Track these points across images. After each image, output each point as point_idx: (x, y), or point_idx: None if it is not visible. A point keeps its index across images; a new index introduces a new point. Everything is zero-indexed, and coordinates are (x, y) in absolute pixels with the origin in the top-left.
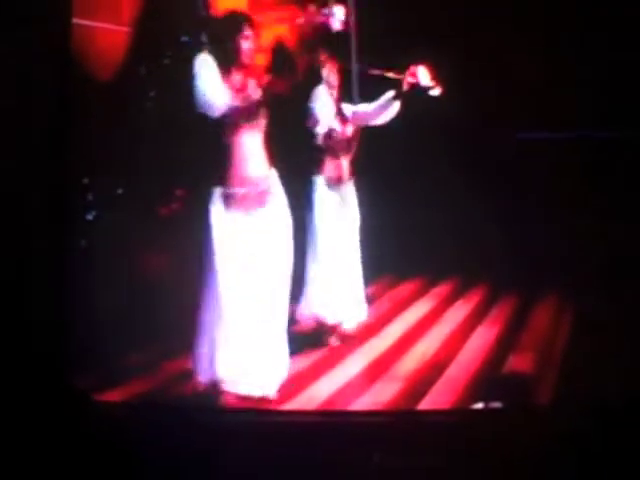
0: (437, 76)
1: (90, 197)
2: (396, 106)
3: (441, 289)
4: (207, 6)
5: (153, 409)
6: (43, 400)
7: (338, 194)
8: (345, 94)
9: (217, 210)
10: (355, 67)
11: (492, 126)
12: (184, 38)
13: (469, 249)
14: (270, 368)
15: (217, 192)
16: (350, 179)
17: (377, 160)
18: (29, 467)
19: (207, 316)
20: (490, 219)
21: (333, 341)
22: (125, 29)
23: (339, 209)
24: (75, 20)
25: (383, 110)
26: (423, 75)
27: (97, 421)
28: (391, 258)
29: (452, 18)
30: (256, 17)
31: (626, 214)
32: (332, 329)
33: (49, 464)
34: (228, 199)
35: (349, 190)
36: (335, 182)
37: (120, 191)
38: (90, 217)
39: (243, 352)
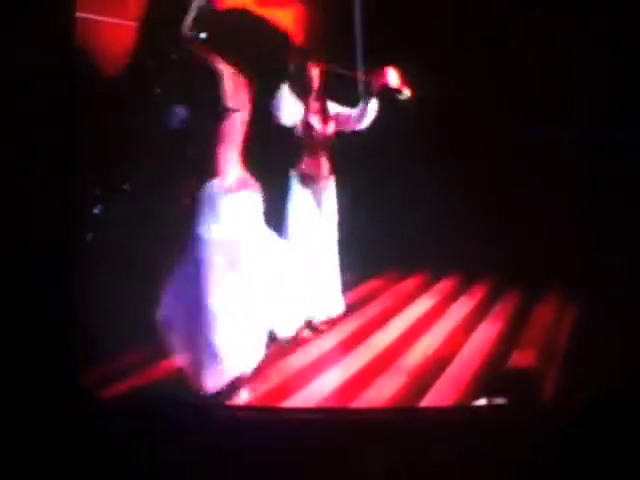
0: (407, 78)
1: (98, 191)
2: (372, 110)
3: (444, 285)
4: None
5: (156, 405)
6: (47, 396)
7: (312, 190)
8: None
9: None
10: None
11: (496, 120)
12: (191, 32)
13: (472, 245)
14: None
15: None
16: (329, 176)
17: (377, 154)
18: (34, 463)
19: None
20: (493, 216)
21: (305, 333)
22: (131, 23)
23: (312, 205)
24: (79, 14)
25: (362, 113)
26: (392, 77)
27: (102, 416)
28: (395, 254)
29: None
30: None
31: (628, 211)
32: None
33: (54, 460)
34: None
35: (327, 187)
36: (311, 179)
37: (127, 186)
38: (97, 211)
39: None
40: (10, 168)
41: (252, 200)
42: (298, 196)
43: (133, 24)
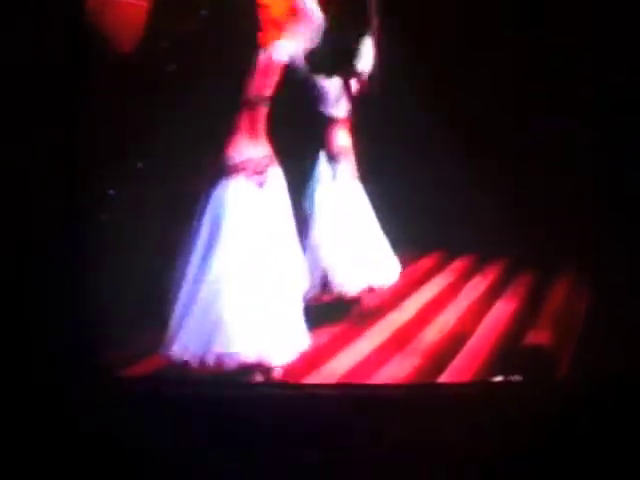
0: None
1: (111, 171)
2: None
3: (459, 264)
4: None
5: (174, 383)
6: (66, 377)
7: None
8: None
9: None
10: None
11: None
12: (204, 12)
13: (487, 225)
14: (284, 341)
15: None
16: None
17: (392, 135)
18: (47, 446)
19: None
20: (507, 195)
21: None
22: (143, 3)
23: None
24: None
25: None
26: None
27: (120, 396)
28: (409, 234)
29: None
30: None
31: None
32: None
33: (68, 443)
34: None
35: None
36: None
37: (140, 165)
38: (112, 192)
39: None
40: (23, 151)
41: (276, 181)
42: (326, 173)
43: (145, 4)
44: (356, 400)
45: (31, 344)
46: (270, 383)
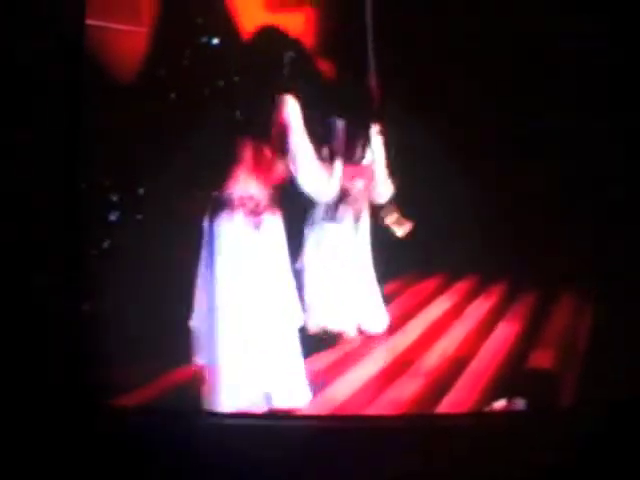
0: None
1: (113, 198)
2: None
3: (462, 286)
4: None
5: (164, 414)
6: (56, 402)
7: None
8: None
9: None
10: None
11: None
12: (204, 39)
13: (489, 246)
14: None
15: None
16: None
17: (395, 160)
18: (40, 468)
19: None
20: (509, 216)
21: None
22: (143, 30)
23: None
24: (89, 21)
25: None
26: None
27: (110, 425)
28: (411, 255)
29: None
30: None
31: None
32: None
33: (61, 465)
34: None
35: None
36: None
37: (142, 191)
38: (113, 218)
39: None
40: (22, 176)
41: (273, 225)
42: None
43: (145, 31)
44: (353, 431)
45: (28, 369)
46: (266, 415)
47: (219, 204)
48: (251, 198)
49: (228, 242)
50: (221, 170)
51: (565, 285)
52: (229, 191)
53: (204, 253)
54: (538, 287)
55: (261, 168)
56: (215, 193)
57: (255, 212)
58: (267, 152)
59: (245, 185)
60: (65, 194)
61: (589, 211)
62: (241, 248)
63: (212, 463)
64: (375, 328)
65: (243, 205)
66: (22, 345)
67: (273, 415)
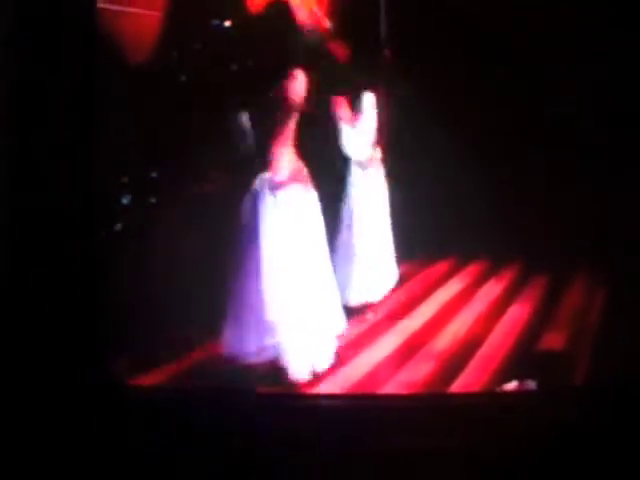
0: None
1: (125, 180)
2: None
3: (473, 269)
4: None
5: (185, 393)
6: (77, 385)
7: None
8: None
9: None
10: None
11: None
12: (215, 22)
13: (500, 228)
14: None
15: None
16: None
17: (408, 139)
18: (62, 451)
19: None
20: (521, 198)
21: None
22: (155, 13)
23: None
24: (100, 5)
25: None
26: None
27: (131, 405)
28: (423, 238)
29: None
30: None
31: None
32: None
33: (82, 449)
34: (273, 184)
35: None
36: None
37: (154, 174)
38: (125, 201)
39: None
40: (36, 161)
41: (305, 193)
42: (359, 181)
43: (158, 14)
44: (366, 410)
45: (45, 350)
46: (278, 393)
47: (260, 184)
48: (285, 173)
49: (274, 220)
50: (261, 150)
51: (577, 267)
52: (267, 170)
53: (247, 235)
54: (550, 269)
55: (289, 142)
56: (254, 173)
57: (290, 186)
58: (291, 124)
59: (280, 161)
60: (81, 179)
61: (602, 193)
62: (285, 224)
63: (229, 440)
64: (387, 285)
65: (279, 183)
66: (48, 329)
67: (285, 394)
